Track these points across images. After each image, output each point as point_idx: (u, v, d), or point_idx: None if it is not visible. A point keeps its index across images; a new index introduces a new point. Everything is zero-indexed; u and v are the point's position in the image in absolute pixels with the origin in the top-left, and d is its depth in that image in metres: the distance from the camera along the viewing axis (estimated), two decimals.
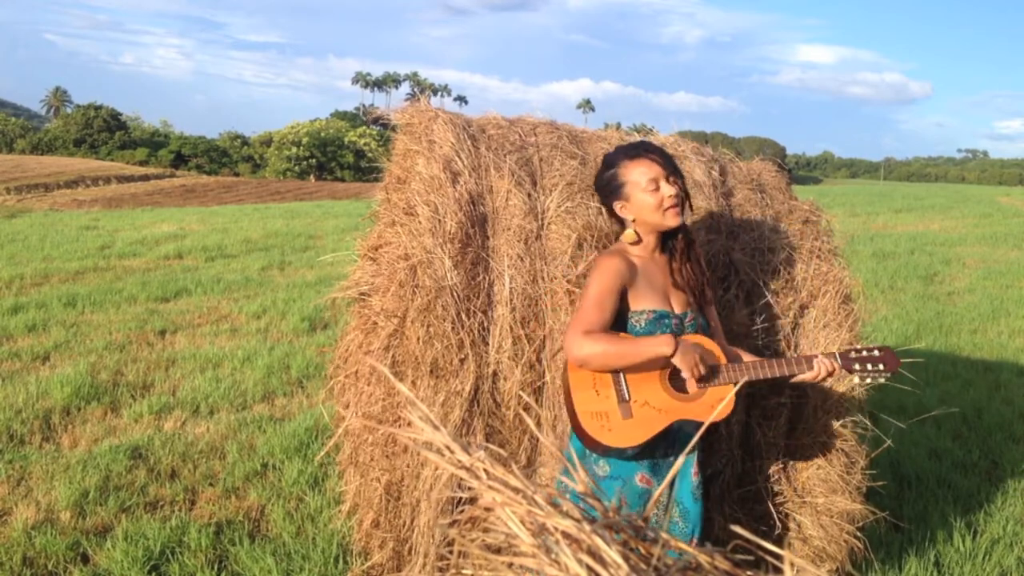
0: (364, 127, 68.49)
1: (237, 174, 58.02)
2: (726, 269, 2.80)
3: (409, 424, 2.38)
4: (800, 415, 2.82)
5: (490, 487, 0.74)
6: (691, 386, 2.21)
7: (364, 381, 2.95)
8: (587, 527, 0.68)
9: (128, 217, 19.32)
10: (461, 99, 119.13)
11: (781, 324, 2.83)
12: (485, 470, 0.76)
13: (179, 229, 15.85)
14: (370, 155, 56.93)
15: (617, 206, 2.29)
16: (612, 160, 2.30)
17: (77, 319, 7.55)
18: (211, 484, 4.01)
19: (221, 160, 61.99)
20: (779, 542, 2.79)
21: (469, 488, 0.76)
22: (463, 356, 2.51)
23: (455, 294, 2.51)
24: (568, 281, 2.55)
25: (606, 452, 2.16)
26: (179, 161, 58.28)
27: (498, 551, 0.70)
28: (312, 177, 57.99)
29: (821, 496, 2.80)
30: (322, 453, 3.98)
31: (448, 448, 0.78)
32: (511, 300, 2.55)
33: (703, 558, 0.68)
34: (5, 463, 4.13)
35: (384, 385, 2.86)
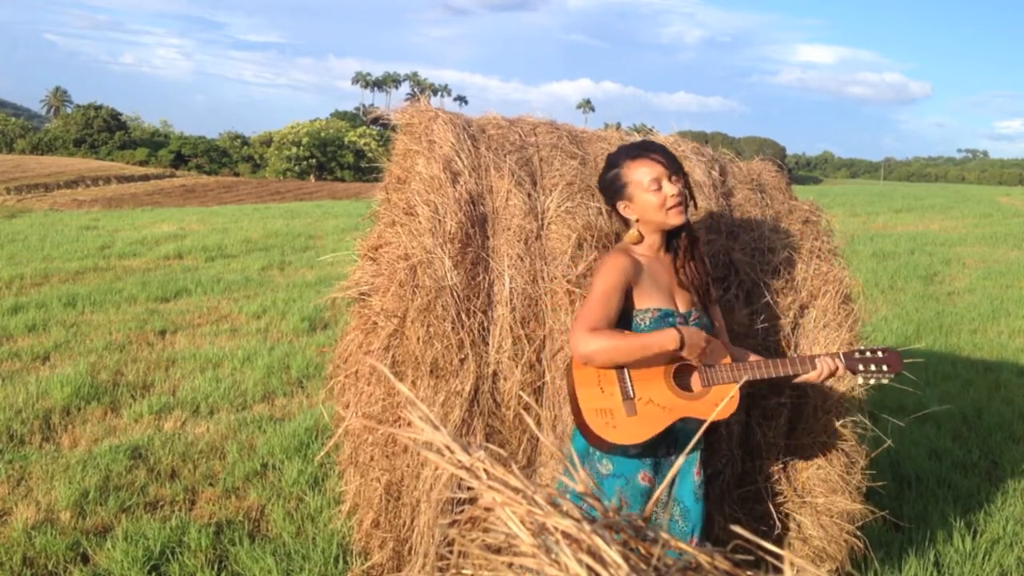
0: (364, 127, 68.48)
1: (237, 174, 58.02)
2: (726, 269, 2.80)
3: (409, 424, 2.38)
4: (800, 415, 2.82)
5: (490, 487, 0.74)
6: (696, 384, 2.22)
7: (364, 381, 2.95)
8: (587, 527, 0.68)
9: (128, 217, 19.32)
10: (461, 99, 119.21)
11: (781, 324, 2.83)
12: (485, 470, 0.76)
13: (179, 229, 15.86)
14: (370, 155, 56.95)
15: (621, 206, 2.30)
16: (615, 160, 2.31)
17: (77, 319, 7.55)
18: (211, 484, 4.01)
19: (221, 160, 61.99)
20: (779, 542, 2.79)
21: (469, 488, 0.76)
22: (463, 356, 2.51)
23: (455, 294, 2.51)
24: (568, 281, 2.55)
25: (610, 449, 2.17)
26: (179, 161, 58.28)
27: (498, 551, 0.70)
28: (312, 177, 58.00)
29: (821, 496, 2.80)
30: (322, 453, 3.98)
31: (448, 448, 0.78)
32: (511, 300, 2.55)
33: (703, 558, 0.68)
34: (5, 463, 4.13)
35: (384, 385, 2.86)
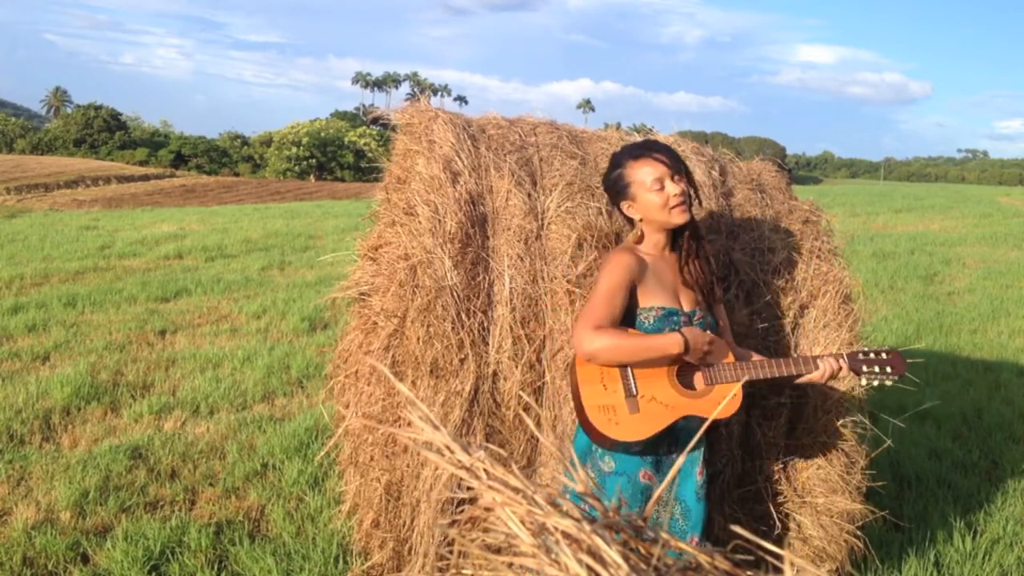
0: (364, 127, 68.48)
1: (237, 174, 58.02)
2: (726, 269, 2.80)
3: (409, 424, 2.38)
4: (800, 415, 2.82)
5: (490, 487, 0.74)
6: (698, 383, 2.23)
7: (364, 381, 2.95)
8: (587, 527, 0.68)
9: (128, 217, 19.32)
10: (461, 99, 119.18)
11: (781, 324, 2.83)
12: (485, 470, 0.76)
13: (179, 229, 15.86)
14: (370, 155, 56.95)
15: (624, 206, 2.30)
16: (618, 160, 2.32)
17: (77, 319, 7.55)
18: (211, 484, 4.01)
19: (221, 160, 61.99)
20: (779, 542, 2.79)
21: (469, 488, 0.76)
22: (463, 356, 2.51)
23: (455, 294, 2.51)
24: (568, 281, 2.55)
25: (613, 446, 2.17)
26: (179, 161, 58.28)
27: (498, 551, 0.70)
28: (312, 177, 58.00)
29: (821, 496, 2.80)
30: (322, 453, 3.98)
31: (448, 448, 0.78)
32: (511, 300, 2.55)
33: (703, 558, 0.68)
34: (5, 463, 4.13)
35: (384, 385, 2.86)
